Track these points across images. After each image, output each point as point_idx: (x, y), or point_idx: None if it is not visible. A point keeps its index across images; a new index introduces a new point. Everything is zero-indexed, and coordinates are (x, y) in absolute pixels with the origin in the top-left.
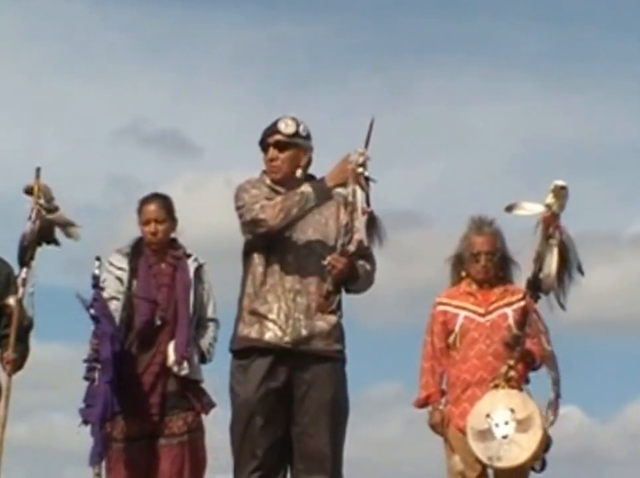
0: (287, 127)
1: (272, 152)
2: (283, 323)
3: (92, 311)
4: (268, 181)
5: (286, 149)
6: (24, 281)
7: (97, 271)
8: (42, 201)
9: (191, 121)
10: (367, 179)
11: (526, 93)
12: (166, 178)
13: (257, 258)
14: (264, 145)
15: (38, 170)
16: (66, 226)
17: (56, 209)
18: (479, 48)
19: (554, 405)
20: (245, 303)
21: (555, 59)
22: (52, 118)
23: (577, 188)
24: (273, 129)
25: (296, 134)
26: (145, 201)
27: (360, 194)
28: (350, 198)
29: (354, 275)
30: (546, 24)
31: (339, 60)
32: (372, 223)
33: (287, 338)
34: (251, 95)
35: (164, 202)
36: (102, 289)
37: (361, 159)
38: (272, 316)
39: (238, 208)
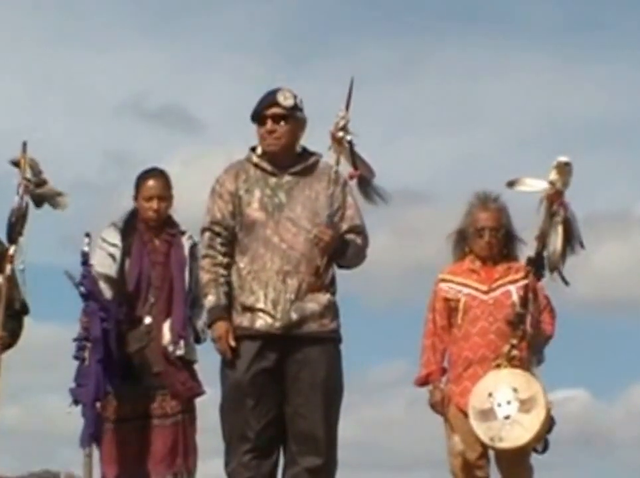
0: (286, 99)
1: (271, 124)
2: (272, 310)
3: (82, 288)
4: (255, 159)
5: (285, 122)
6: (12, 257)
7: (86, 248)
8: (28, 175)
9: (194, 95)
10: (350, 143)
11: (540, 65)
12: (166, 154)
13: (237, 246)
14: (260, 117)
15: (24, 144)
16: (55, 196)
17: (44, 182)
18: (493, 18)
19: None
20: (233, 294)
21: (571, 30)
22: (51, 92)
23: (589, 165)
24: (271, 101)
25: (294, 107)
26: (147, 176)
27: (344, 159)
28: (335, 167)
29: (343, 248)
30: None
31: (348, 31)
32: (364, 184)
33: (277, 324)
34: (257, 68)
35: (165, 178)
36: (91, 266)
37: (342, 122)
38: (260, 305)
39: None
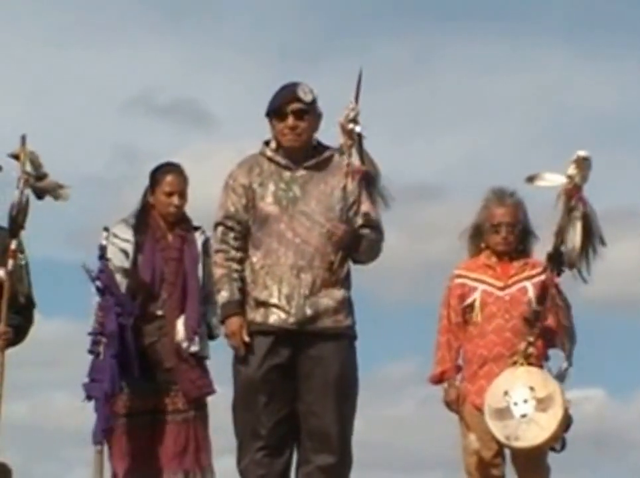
0: (306, 94)
1: (292, 120)
2: (286, 305)
3: (98, 282)
4: (269, 152)
5: (306, 117)
6: (14, 252)
7: (104, 242)
8: (28, 169)
9: (205, 90)
10: (359, 135)
11: (553, 62)
12: (176, 149)
13: (250, 241)
14: (280, 112)
15: (23, 137)
16: (56, 189)
17: (45, 176)
18: (505, 15)
19: (562, 376)
20: (247, 289)
21: (586, 26)
22: (62, 87)
23: (602, 161)
24: (291, 97)
25: (313, 101)
26: (167, 171)
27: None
28: (346, 159)
29: (356, 242)
30: None
31: (360, 28)
32: (368, 182)
33: (291, 320)
34: (268, 65)
35: (184, 174)
36: (108, 260)
37: (352, 114)
38: (273, 300)
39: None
